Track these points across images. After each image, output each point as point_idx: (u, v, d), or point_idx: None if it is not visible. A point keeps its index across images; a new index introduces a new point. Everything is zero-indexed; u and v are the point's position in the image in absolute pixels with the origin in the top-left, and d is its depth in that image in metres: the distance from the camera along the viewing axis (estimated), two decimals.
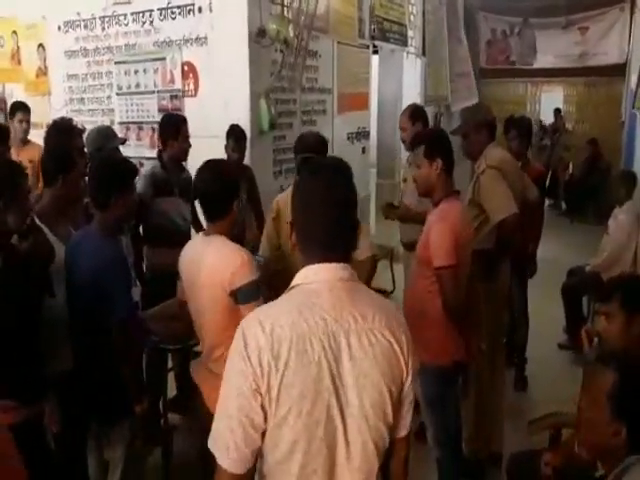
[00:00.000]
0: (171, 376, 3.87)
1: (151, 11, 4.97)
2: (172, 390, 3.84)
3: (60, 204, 2.74)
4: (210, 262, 2.35)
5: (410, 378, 1.43)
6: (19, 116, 4.78)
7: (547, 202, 10.36)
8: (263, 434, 1.32)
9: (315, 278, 1.38)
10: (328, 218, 1.38)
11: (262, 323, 1.32)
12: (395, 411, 1.41)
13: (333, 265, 1.38)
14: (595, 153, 10.59)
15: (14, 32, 6.11)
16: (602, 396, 1.75)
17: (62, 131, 3.66)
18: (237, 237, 4.10)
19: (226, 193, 2.43)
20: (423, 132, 3.43)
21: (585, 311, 5.27)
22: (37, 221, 2.62)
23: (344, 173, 1.47)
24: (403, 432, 1.50)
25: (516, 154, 4.29)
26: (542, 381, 4.49)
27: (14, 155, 4.40)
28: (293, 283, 1.41)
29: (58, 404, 2.23)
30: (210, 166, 2.48)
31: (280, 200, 3.39)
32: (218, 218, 2.43)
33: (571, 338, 4.96)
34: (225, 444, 1.31)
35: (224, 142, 4.26)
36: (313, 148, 3.21)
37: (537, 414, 2.96)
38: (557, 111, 11.87)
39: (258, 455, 1.35)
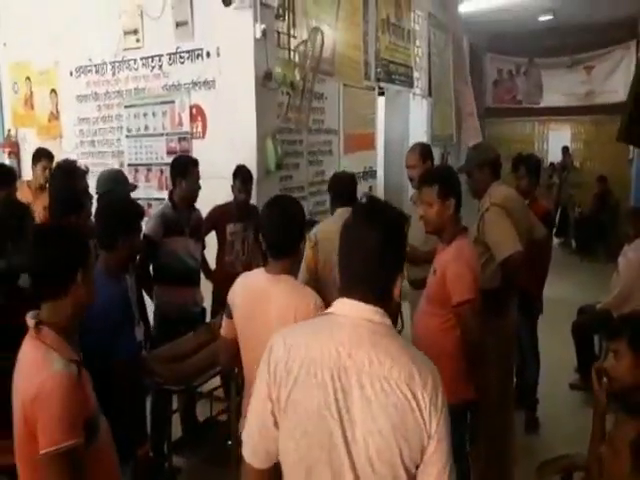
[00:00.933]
0: (177, 418, 3.84)
1: (160, 56, 5.07)
2: (177, 432, 3.79)
3: None
4: (284, 300, 2.26)
5: (435, 445, 1.33)
6: (43, 163, 4.83)
7: (557, 240, 10.37)
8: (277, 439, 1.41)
9: (344, 311, 1.42)
10: (360, 260, 1.43)
11: (285, 338, 1.44)
12: (413, 473, 1.34)
13: (365, 306, 1.40)
14: (604, 190, 10.58)
15: (28, 78, 6.25)
16: (624, 445, 1.71)
17: (66, 173, 3.72)
18: None
19: (297, 230, 2.38)
20: (434, 171, 3.42)
21: (597, 350, 5.19)
22: None
23: (390, 221, 1.47)
24: None
25: (524, 192, 4.30)
26: (554, 422, 4.40)
27: (29, 199, 4.46)
28: (327, 310, 1.49)
29: None
30: (281, 202, 2.44)
31: (319, 231, 3.54)
32: (285, 255, 2.34)
33: (583, 378, 4.88)
34: (246, 440, 1.47)
35: (231, 183, 4.31)
36: (347, 185, 3.72)
37: (549, 456, 2.90)
38: (565, 149, 11.91)
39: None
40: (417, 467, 1.35)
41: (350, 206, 3.43)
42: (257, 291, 2.34)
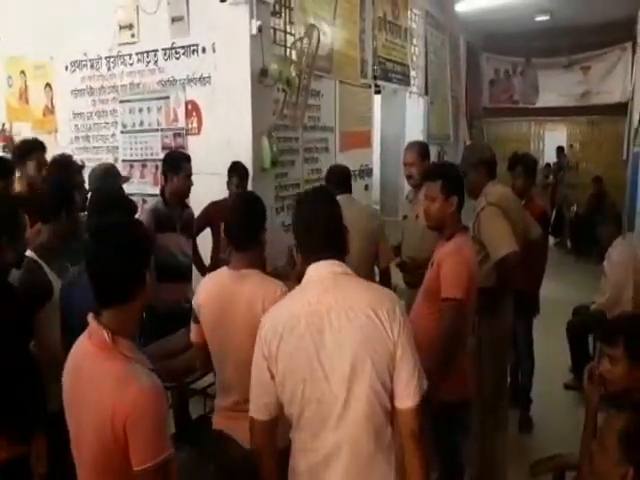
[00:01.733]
0: (169, 415, 3.82)
1: (156, 51, 5.05)
2: (170, 429, 3.77)
3: (59, 240, 2.72)
4: (251, 294, 2.26)
5: (400, 351, 1.69)
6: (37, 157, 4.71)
7: (552, 241, 10.38)
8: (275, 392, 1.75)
9: (312, 274, 1.79)
10: (316, 230, 1.81)
11: (272, 310, 1.84)
12: (386, 380, 1.69)
13: (325, 262, 1.78)
14: (600, 191, 10.59)
15: (22, 72, 6.21)
16: (613, 440, 1.71)
17: (61, 167, 3.68)
18: None
19: (257, 223, 2.41)
20: (439, 166, 3.45)
21: (591, 350, 5.19)
22: (36, 257, 2.61)
23: (325, 196, 1.95)
24: (405, 403, 1.71)
25: (520, 192, 4.29)
26: (548, 422, 4.41)
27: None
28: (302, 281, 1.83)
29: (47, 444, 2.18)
30: (241, 197, 2.53)
31: None
32: (247, 248, 2.36)
33: (577, 378, 4.88)
34: (251, 397, 1.81)
35: (226, 179, 4.29)
36: (343, 175, 3.99)
37: (543, 455, 2.88)
38: (560, 149, 11.93)
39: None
40: (391, 376, 1.70)
41: (346, 194, 3.79)
42: (223, 294, 2.32)
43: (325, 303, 1.70)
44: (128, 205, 2.78)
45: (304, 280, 1.80)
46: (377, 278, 3.99)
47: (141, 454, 1.55)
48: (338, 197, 3.45)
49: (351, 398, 1.67)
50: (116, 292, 1.66)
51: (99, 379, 1.61)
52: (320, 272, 1.77)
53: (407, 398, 1.70)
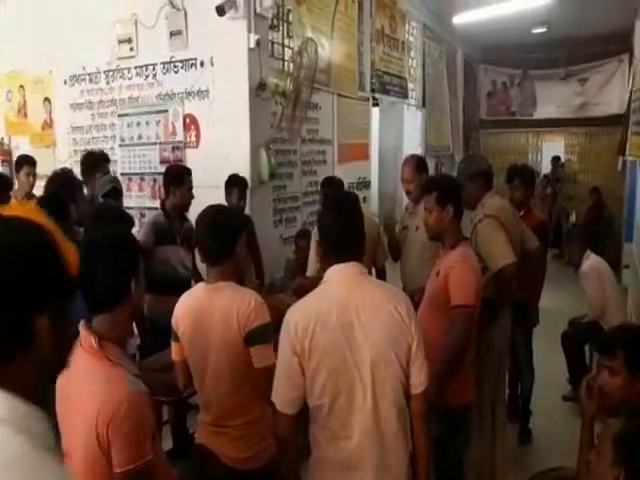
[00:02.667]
0: (167, 429, 3.80)
1: (154, 65, 5.07)
2: (168, 444, 3.75)
3: None
4: (226, 307, 2.27)
5: (416, 342, 1.91)
6: (25, 169, 4.78)
7: (551, 252, 10.37)
8: (304, 386, 1.88)
9: (333, 276, 1.96)
10: (339, 233, 1.98)
11: (297, 308, 1.96)
12: (406, 368, 1.91)
13: (345, 264, 1.95)
14: (598, 202, 10.60)
15: (21, 86, 6.24)
16: (608, 444, 1.71)
17: (63, 182, 3.70)
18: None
19: (228, 234, 2.38)
20: (433, 179, 3.53)
21: (588, 361, 5.18)
22: None
23: (349, 201, 2.14)
24: (417, 389, 1.95)
25: (518, 203, 4.29)
26: (547, 434, 4.38)
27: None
28: (322, 281, 1.99)
29: None
30: (210, 210, 2.47)
31: None
32: (220, 261, 2.35)
33: (575, 389, 4.86)
34: (277, 392, 1.92)
35: (224, 192, 4.29)
36: (339, 186, 4.40)
37: (541, 468, 2.87)
38: (555, 159, 11.92)
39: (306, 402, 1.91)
40: (408, 365, 1.92)
41: None
42: (199, 309, 2.33)
43: (353, 301, 1.88)
44: (123, 218, 2.79)
45: (328, 278, 1.97)
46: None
47: (122, 457, 1.60)
48: None
49: (379, 386, 1.86)
50: (101, 298, 1.73)
51: (86, 383, 1.67)
52: (344, 273, 1.95)
53: (419, 384, 1.94)
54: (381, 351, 1.86)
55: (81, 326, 1.74)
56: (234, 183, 4.27)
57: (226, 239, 2.36)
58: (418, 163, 4.02)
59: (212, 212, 2.47)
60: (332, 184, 4.40)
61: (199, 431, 2.46)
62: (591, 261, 5.13)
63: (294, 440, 1.96)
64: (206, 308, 2.31)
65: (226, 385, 2.30)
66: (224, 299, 2.29)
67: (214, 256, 2.36)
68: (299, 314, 1.91)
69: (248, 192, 4.39)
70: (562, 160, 12.07)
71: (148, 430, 1.67)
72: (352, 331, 1.85)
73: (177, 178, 3.94)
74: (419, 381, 1.94)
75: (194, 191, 4.02)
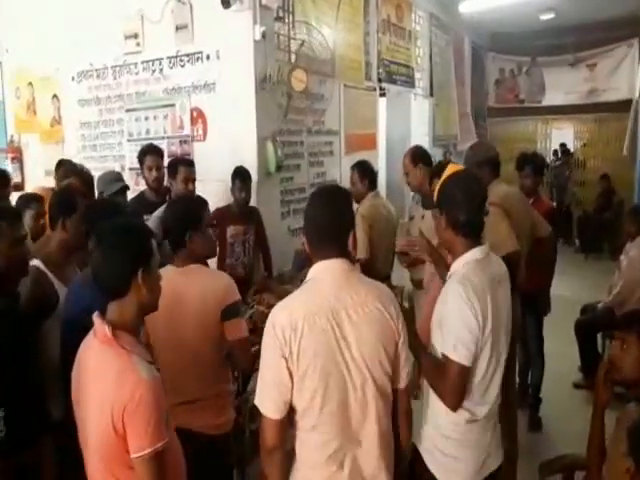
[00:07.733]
0: None
1: (161, 59, 5.10)
2: None
3: (66, 248, 2.71)
4: (199, 289, 2.41)
5: (402, 339, 1.91)
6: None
7: (560, 239, 10.33)
8: (292, 389, 1.78)
9: (320, 272, 1.88)
10: (326, 227, 1.88)
11: (283, 309, 1.84)
12: (393, 365, 1.89)
13: (333, 261, 1.86)
14: (608, 188, 10.54)
15: (30, 84, 6.29)
16: (623, 432, 1.72)
17: (84, 182, 3.75)
18: (244, 278, 4.17)
19: (179, 222, 2.54)
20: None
21: (600, 349, 5.17)
22: (42, 267, 2.61)
23: (338, 194, 2.01)
24: (402, 384, 1.95)
25: (528, 191, 4.28)
26: (557, 421, 4.39)
27: None
28: (307, 278, 1.90)
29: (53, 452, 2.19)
30: (171, 200, 2.65)
31: (369, 214, 4.27)
32: (179, 247, 2.53)
33: (586, 377, 4.86)
34: (264, 398, 1.81)
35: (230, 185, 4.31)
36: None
37: (552, 455, 2.88)
38: (562, 146, 11.88)
39: (291, 408, 1.82)
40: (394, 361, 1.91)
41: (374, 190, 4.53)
42: (172, 291, 2.27)
43: (342, 299, 1.82)
44: (124, 212, 2.81)
45: (313, 275, 1.89)
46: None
47: (138, 442, 1.66)
48: (372, 194, 4.44)
49: (369, 383, 1.84)
50: (109, 286, 1.79)
51: (101, 371, 1.73)
52: (331, 270, 1.86)
53: (402, 380, 1.95)
54: (372, 350, 1.84)
55: (95, 316, 1.79)
56: (235, 174, 4.28)
57: (174, 231, 2.55)
58: (413, 155, 4.04)
59: (170, 203, 2.78)
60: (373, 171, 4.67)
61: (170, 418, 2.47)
62: None
63: (284, 449, 1.86)
64: (179, 290, 2.38)
65: (201, 362, 2.43)
66: (198, 280, 2.46)
67: (173, 245, 2.57)
68: (285, 315, 1.80)
69: (255, 184, 4.40)
70: (570, 148, 11.99)
71: (162, 415, 1.71)
72: (342, 331, 1.80)
73: (172, 170, 4.01)
74: (402, 377, 1.94)
75: (202, 184, 4.04)
